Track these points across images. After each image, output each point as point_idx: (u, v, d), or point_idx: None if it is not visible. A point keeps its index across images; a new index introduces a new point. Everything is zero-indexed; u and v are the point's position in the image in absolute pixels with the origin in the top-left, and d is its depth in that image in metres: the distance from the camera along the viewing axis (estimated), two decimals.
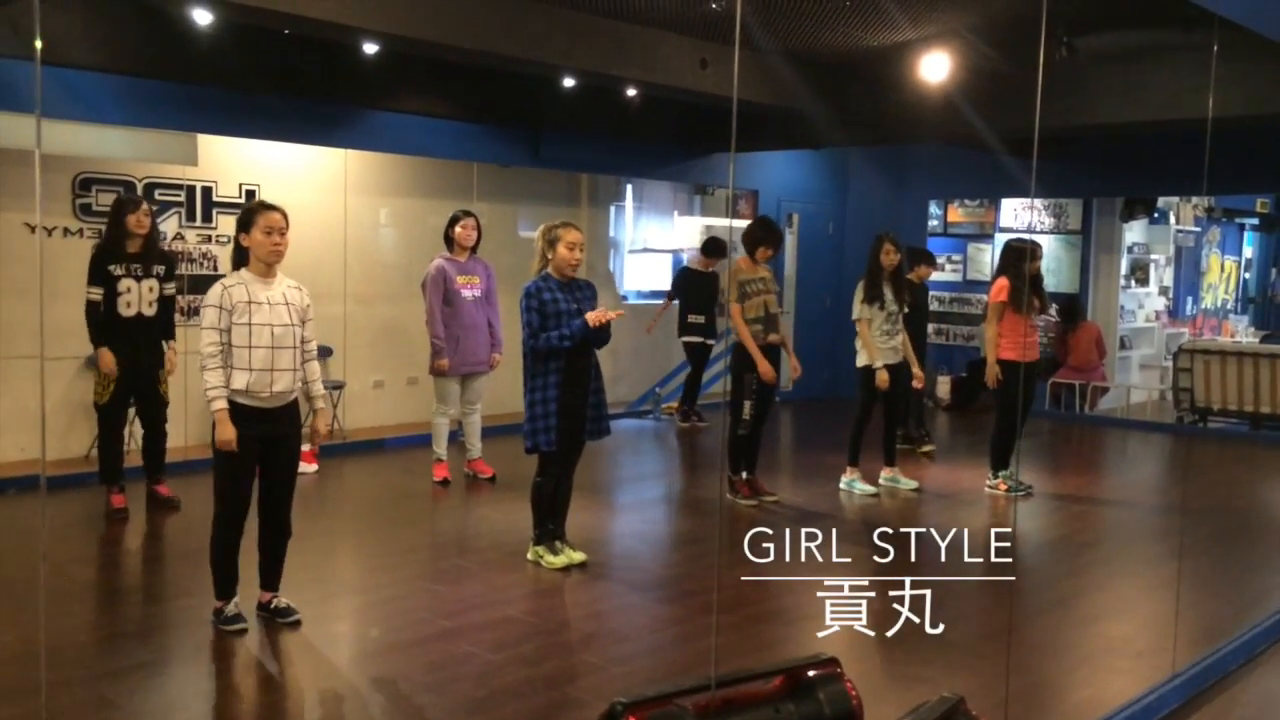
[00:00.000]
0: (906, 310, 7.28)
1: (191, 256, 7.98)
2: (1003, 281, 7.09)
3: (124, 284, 5.89)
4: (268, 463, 4.40)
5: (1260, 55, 6.33)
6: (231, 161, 8.20)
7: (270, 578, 4.56)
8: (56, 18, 6.41)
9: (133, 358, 5.91)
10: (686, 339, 9.74)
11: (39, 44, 2.09)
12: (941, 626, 4.11)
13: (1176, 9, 6.35)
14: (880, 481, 7.26)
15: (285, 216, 4.41)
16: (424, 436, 8.26)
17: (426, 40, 6.44)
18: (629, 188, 11.24)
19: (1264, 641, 4.64)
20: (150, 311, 5.97)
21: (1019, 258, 7.11)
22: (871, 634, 4.72)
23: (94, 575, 5.23)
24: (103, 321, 5.90)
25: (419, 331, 8.80)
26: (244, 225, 4.35)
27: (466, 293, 7.03)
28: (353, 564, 5.73)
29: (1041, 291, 7.40)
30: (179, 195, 7.94)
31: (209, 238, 8.10)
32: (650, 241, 11.49)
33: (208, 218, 8.09)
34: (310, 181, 8.66)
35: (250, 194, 8.25)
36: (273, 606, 4.53)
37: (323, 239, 8.69)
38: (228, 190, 8.17)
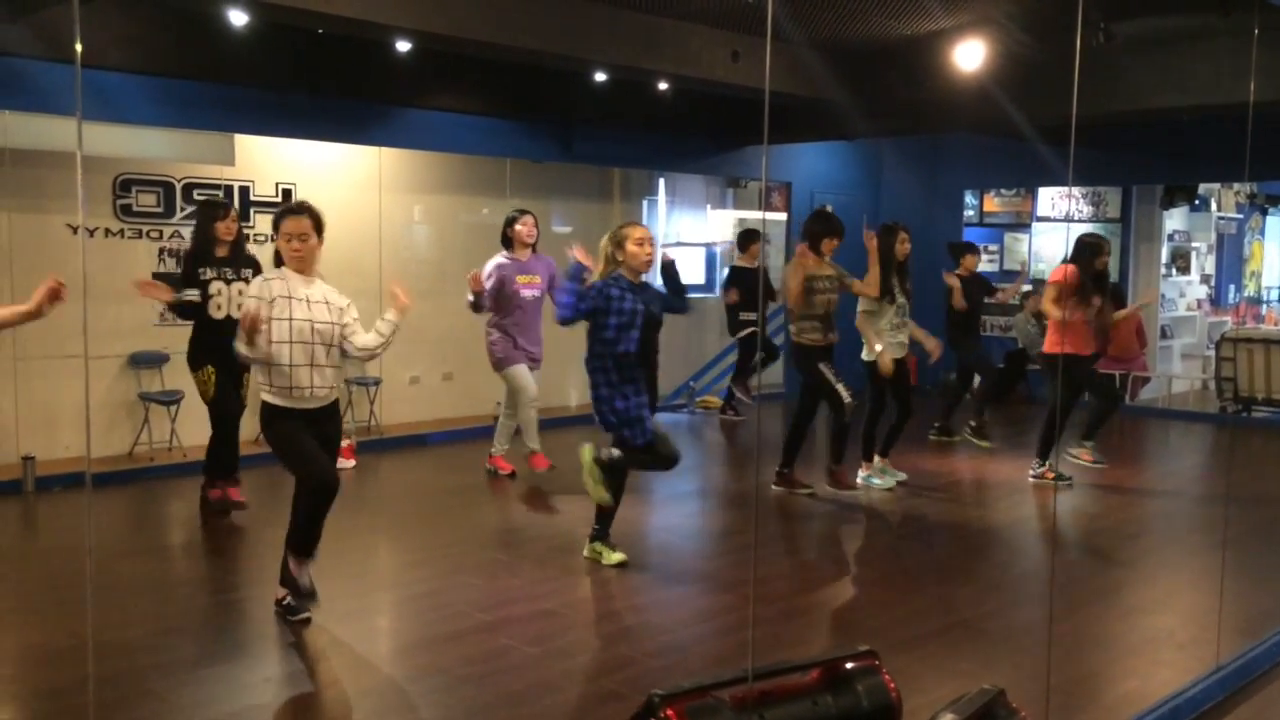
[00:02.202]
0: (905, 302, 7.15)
1: None
2: (1071, 268, 6.94)
3: (214, 286, 5.93)
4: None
5: None
6: (268, 161, 8.28)
7: (305, 543, 4.58)
8: (95, 21, 6.50)
9: (224, 360, 5.83)
10: (743, 335, 9.63)
11: (79, 47, 2.10)
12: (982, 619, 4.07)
13: None
14: (859, 480, 7.10)
15: (315, 218, 4.45)
16: (460, 431, 8.32)
17: (458, 37, 6.47)
18: (661, 181, 11.23)
19: None
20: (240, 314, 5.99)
21: (1092, 252, 6.98)
22: (912, 627, 4.72)
23: (139, 570, 5.30)
24: (194, 333, 6.02)
25: (454, 328, 8.89)
26: (274, 227, 4.50)
27: (527, 292, 7.05)
28: (391, 559, 5.77)
29: (1105, 288, 7.16)
30: (217, 195, 8.02)
31: (247, 237, 8.17)
32: (683, 235, 11.48)
33: (245, 217, 8.16)
34: (345, 179, 8.73)
35: (287, 193, 8.32)
36: (285, 603, 4.56)
37: (358, 236, 8.75)
38: (265, 189, 8.26)
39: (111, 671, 3.97)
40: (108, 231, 7.55)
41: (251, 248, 8.16)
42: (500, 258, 7.08)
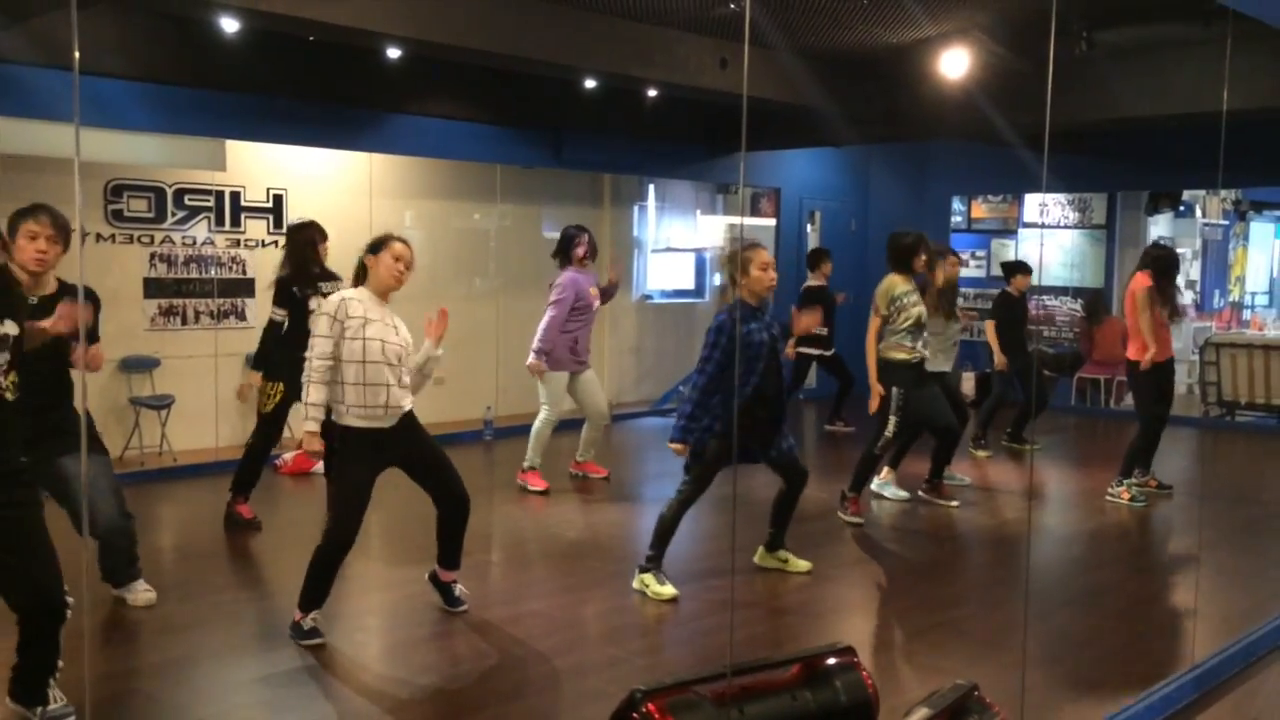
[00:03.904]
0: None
1: (220, 261, 8.12)
2: (1144, 278, 6.78)
3: (314, 302, 5.90)
4: (411, 468, 4.52)
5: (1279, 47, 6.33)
6: (259, 166, 8.33)
7: (451, 557, 4.75)
8: (88, 27, 6.55)
9: (294, 381, 5.86)
10: (802, 350, 9.38)
11: (77, 53, 2.16)
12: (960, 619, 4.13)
13: (1193, 2, 6.35)
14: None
15: (412, 252, 4.64)
16: (451, 435, 8.34)
17: (448, 44, 6.53)
18: (651, 187, 11.30)
19: None
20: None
21: (1169, 264, 6.86)
22: (894, 627, 4.79)
23: None
24: (273, 345, 5.97)
25: (446, 332, 8.85)
26: (375, 249, 4.56)
27: (597, 303, 7.18)
28: (381, 561, 5.82)
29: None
30: (208, 200, 8.08)
31: (237, 242, 8.24)
32: (673, 241, 11.56)
33: (236, 222, 8.22)
34: (336, 185, 8.79)
35: (278, 198, 8.38)
36: (454, 589, 4.78)
37: (348, 242, 8.75)
38: (255, 195, 8.31)
39: (103, 672, 4.02)
40: (99, 236, 7.59)
41: (243, 254, 8.25)
42: (571, 272, 7.07)
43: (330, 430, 4.50)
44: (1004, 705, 3.19)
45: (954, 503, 6.88)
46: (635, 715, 2.68)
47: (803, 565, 5.46)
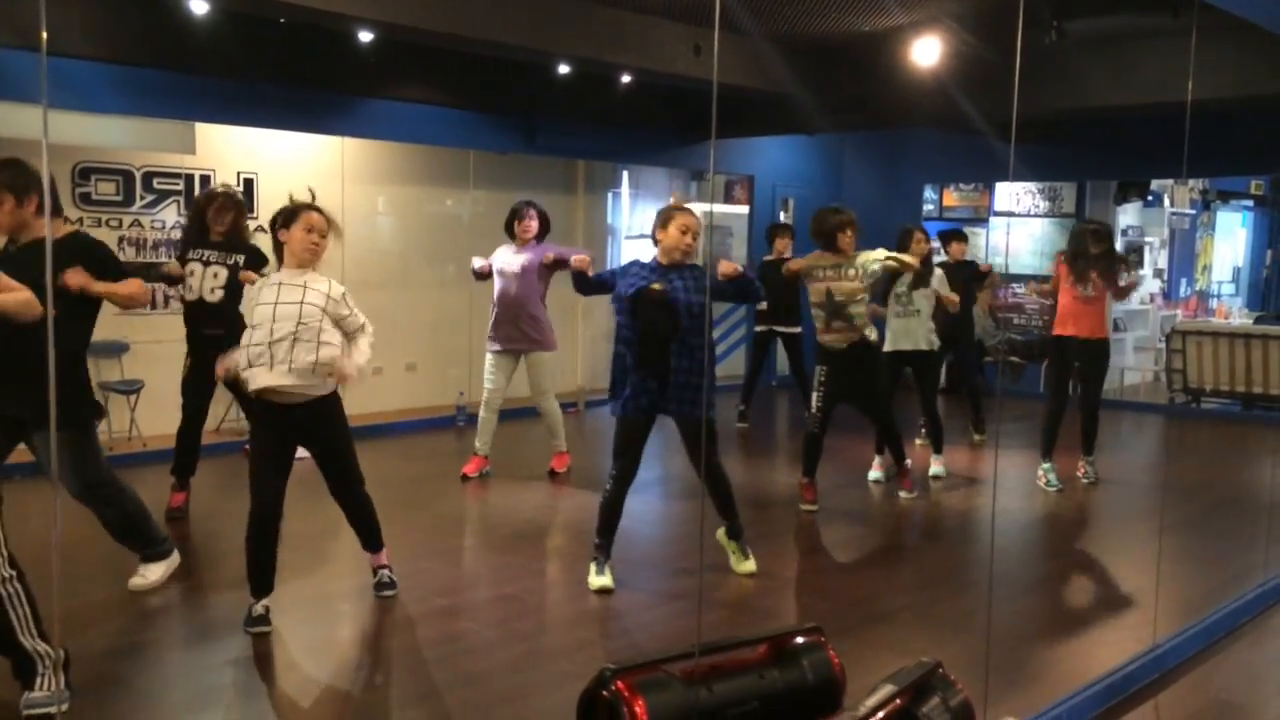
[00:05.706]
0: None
1: None
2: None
3: (190, 267, 5.77)
4: (312, 452, 4.50)
5: (1246, 38, 6.41)
6: (229, 150, 8.26)
7: (366, 541, 4.79)
8: (55, 7, 6.47)
9: (199, 352, 5.77)
10: (764, 327, 9.22)
11: (44, 34, 2.15)
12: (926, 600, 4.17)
13: None
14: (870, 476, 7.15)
15: (329, 221, 4.43)
16: (422, 421, 8.33)
17: (420, 28, 6.50)
18: (625, 174, 11.30)
19: (1244, 615, 4.74)
20: (213, 298, 5.76)
21: (1075, 243, 7.07)
22: (862, 610, 4.84)
23: (97, 558, 5.31)
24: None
25: (417, 318, 8.86)
26: (285, 223, 4.36)
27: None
28: (353, 545, 5.79)
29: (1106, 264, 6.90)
30: (177, 184, 8.01)
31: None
32: (647, 228, 11.55)
33: None
34: (307, 169, 8.71)
35: (248, 182, 8.32)
36: (376, 575, 4.77)
37: None
38: (225, 178, 8.23)
39: (74, 657, 4.00)
40: (67, 220, 7.49)
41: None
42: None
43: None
44: (968, 683, 3.25)
45: (910, 494, 6.76)
46: (605, 694, 2.71)
47: (747, 567, 5.16)
